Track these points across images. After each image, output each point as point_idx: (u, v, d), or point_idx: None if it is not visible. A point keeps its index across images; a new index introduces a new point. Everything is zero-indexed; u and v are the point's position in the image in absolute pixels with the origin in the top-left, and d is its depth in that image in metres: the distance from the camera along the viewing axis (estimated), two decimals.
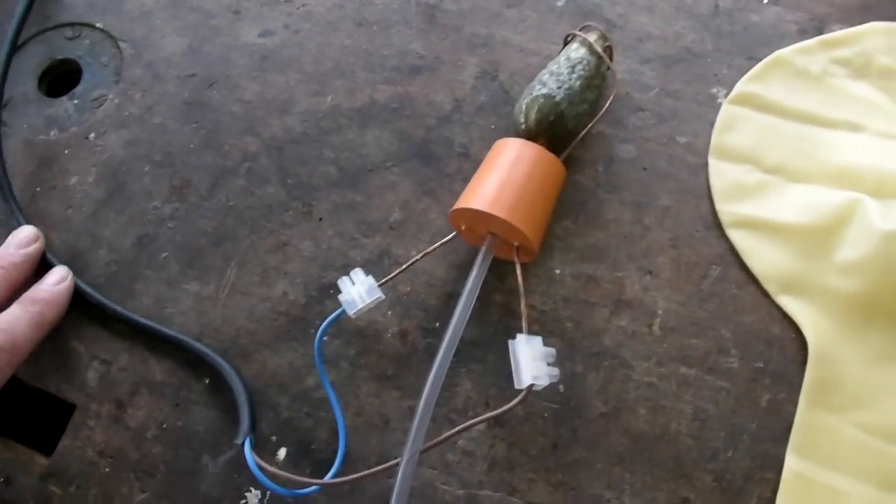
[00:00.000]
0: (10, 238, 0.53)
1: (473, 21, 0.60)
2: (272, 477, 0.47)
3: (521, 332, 0.47)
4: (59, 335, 0.54)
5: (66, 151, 0.59)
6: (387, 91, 0.59)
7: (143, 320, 0.53)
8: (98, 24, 0.64)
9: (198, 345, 0.52)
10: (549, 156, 0.51)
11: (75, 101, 0.61)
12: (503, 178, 0.50)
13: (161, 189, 0.58)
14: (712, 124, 0.56)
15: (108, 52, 0.63)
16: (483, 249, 0.50)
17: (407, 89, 0.58)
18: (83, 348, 0.54)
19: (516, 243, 0.50)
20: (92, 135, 0.60)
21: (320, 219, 0.55)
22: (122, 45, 0.63)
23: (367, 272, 0.51)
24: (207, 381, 0.52)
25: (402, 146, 0.57)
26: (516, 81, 0.58)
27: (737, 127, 0.56)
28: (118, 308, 0.54)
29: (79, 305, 0.54)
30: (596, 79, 0.54)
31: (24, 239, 0.53)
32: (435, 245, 0.51)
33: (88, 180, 0.58)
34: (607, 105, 0.54)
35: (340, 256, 0.54)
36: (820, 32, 0.58)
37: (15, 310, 0.49)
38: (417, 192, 0.55)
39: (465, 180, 0.53)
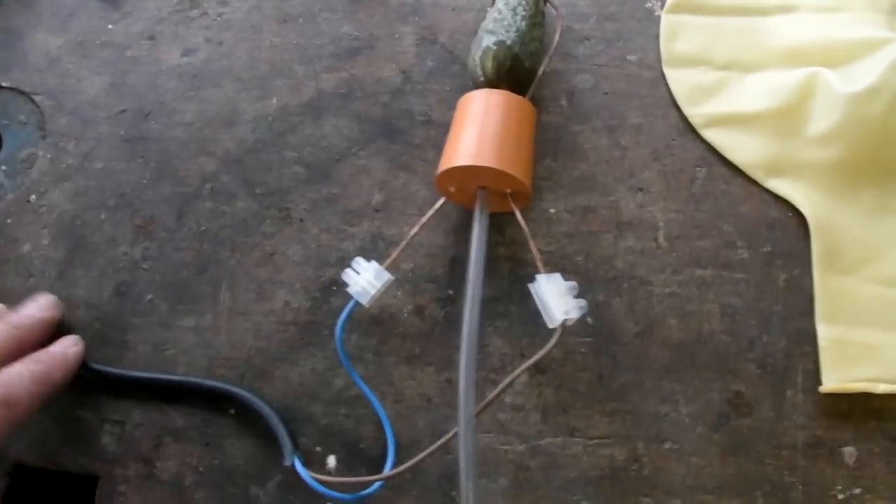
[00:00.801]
0: (28, 302, 0.50)
1: None
2: (333, 486, 0.45)
3: (537, 273, 0.47)
4: (63, 409, 0.50)
5: (9, 220, 0.56)
6: (331, 79, 0.57)
7: (144, 375, 0.51)
8: (4, 83, 0.60)
9: (210, 382, 0.50)
10: (517, 97, 0.51)
11: (3, 168, 0.57)
12: (479, 129, 0.49)
13: (125, 232, 0.55)
14: (657, 37, 0.57)
15: (25, 109, 0.59)
16: (478, 205, 0.49)
17: (351, 72, 0.57)
18: (91, 415, 0.51)
19: (509, 190, 0.50)
20: (33, 197, 0.56)
21: (301, 220, 0.54)
22: (36, 98, 0.59)
23: (366, 259, 0.49)
24: (233, 412, 0.50)
25: (363, 128, 0.56)
26: (458, 40, 0.58)
27: (680, 34, 0.57)
28: (116, 371, 0.51)
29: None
30: (538, 16, 0.54)
31: (41, 305, 0.50)
32: (427, 215, 0.50)
33: (43, 244, 0.55)
34: (557, 37, 0.54)
35: (333, 251, 0.53)
36: None
37: (18, 366, 0.46)
38: (392, 169, 0.54)
39: (437, 146, 0.52)
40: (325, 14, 0.59)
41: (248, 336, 0.52)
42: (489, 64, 0.52)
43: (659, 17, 0.57)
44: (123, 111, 0.58)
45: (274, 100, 0.57)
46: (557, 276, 0.47)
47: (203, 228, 0.54)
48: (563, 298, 0.46)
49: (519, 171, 0.48)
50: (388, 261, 0.49)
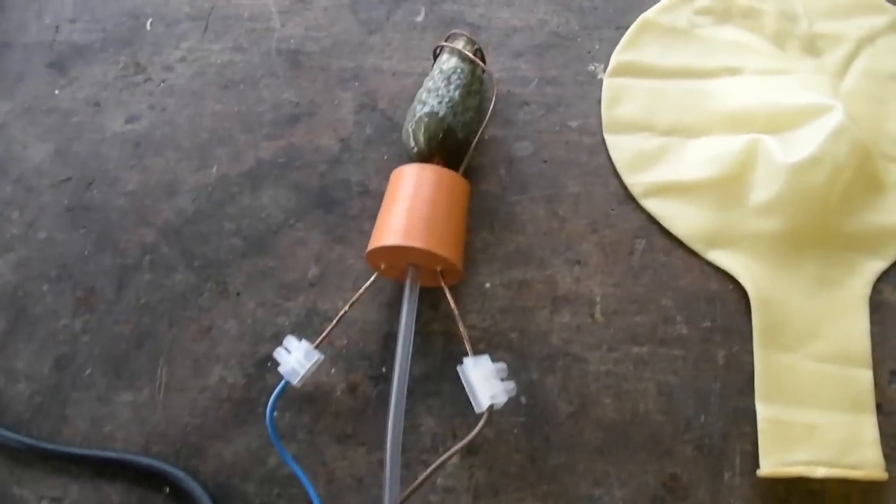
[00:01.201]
0: None
1: (339, 56, 0.59)
2: None
3: (466, 355, 0.46)
4: (0, 485, 0.51)
5: None
6: (270, 147, 0.57)
7: (79, 451, 0.51)
8: None
9: (145, 459, 0.50)
10: (448, 172, 0.50)
11: None
12: (409, 206, 0.49)
13: (66, 304, 0.55)
14: (598, 101, 0.56)
15: None
16: (408, 283, 0.49)
17: (290, 141, 0.57)
18: (28, 492, 0.51)
19: (439, 268, 0.49)
20: None
21: (238, 294, 0.53)
22: None
23: (300, 335, 0.49)
24: (168, 491, 0.50)
25: (301, 199, 0.55)
26: (397, 106, 0.57)
27: (623, 98, 0.56)
28: (51, 447, 0.51)
29: (10, 451, 0.51)
30: (474, 84, 0.54)
31: None
32: (359, 291, 0.50)
33: None
34: (492, 106, 0.53)
35: (268, 326, 0.52)
36: None
37: None
38: (328, 241, 0.54)
39: (372, 218, 0.51)
40: (267, 80, 0.59)
41: (184, 412, 0.51)
42: (421, 136, 0.51)
43: (601, 81, 0.56)
44: (67, 179, 0.58)
45: (214, 169, 0.57)
46: (485, 359, 0.46)
47: (142, 301, 0.54)
48: (490, 382, 0.46)
49: (448, 250, 0.48)
50: (319, 340, 0.49)
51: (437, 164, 0.52)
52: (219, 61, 0.60)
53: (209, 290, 0.54)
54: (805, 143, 0.50)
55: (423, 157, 0.52)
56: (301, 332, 0.50)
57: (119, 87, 0.60)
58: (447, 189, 0.50)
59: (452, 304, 0.48)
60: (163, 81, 0.60)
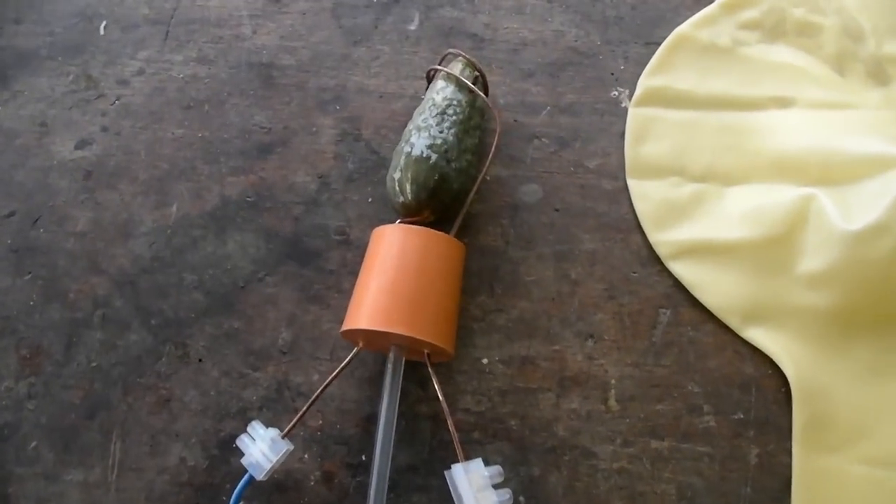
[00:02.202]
0: None
1: (318, 72, 0.50)
2: None
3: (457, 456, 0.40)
4: None
5: None
6: (238, 183, 0.49)
7: None
8: None
9: None
10: (440, 237, 0.42)
11: None
12: (390, 281, 0.41)
13: (9, 364, 0.48)
14: (622, 135, 0.47)
15: None
16: (389, 367, 0.42)
17: (260, 175, 0.49)
18: None
19: (426, 350, 0.42)
20: None
21: (200, 360, 0.47)
22: None
23: (269, 412, 0.43)
24: None
25: (271, 248, 0.48)
26: (384, 137, 0.49)
27: (651, 133, 0.47)
28: None
29: None
30: (473, 118, 0.45)
31: None
32: (337, 370, 0.43)
33: None
34: (495, 143, 0.45)
35: (234, 400, 0.46)
36: None
37: None
38: (301, 300, 0.47)
39: (353, 274, 0.44)
40: (235, 99, 0.50)
41: (140, 496, 0.46)
42: (408, 187, 0.43)
43: (626, 110, 0.47)
44: (11, 214, 0.51)
45: (174, 207, 0.49)
46: (478, 464, 0.40)
47: (94, 364, 0.48)
48: (482, 493, 0.39)
49: (436, 334, 0.41)
50: (288, 428, 0.43)
51: (427, 218, 0.44)
52: (181, 75, 0.52)
53: (168, 354, 0.47)
54: (867, 203, 0.42)
55: (411, 211, 0.44)
56: (270, 408, 0.43)
57: (69, 103, 0.52)
58: (437, 258, 0.42)
59: (441, 396, 0.41)
60: (117, 99, 0.52)
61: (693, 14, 0.48)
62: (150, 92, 0.52)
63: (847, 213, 0.42)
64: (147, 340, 0.48)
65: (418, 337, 0.40)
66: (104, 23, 0.53)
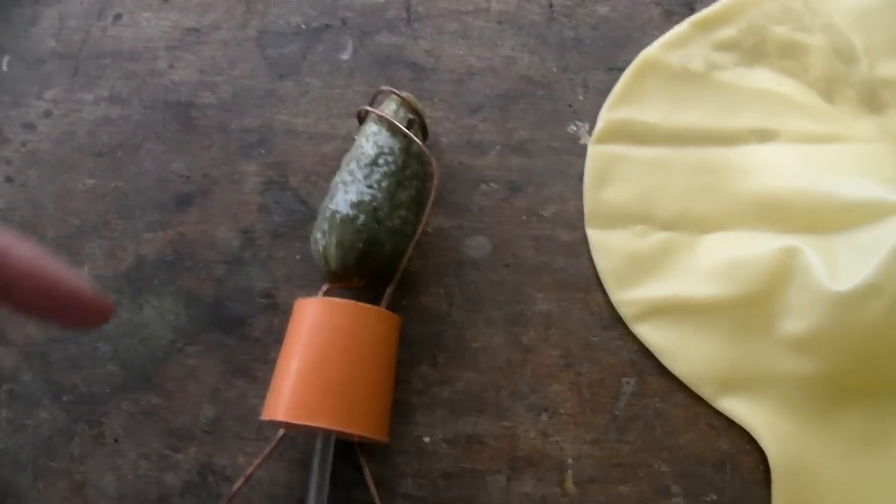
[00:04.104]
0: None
1: (241, 111, 0.45)
2: None
3: None
4: None
5: None
6: (155, 241, 0.44)
7: None
8: None
9: None
10: (368, 312, 0.38)
11: None
12: (313, 364, 0.37)
13: None
14: (581, 178, 0.42)
15: None
16: (316, 456, 0.38)
17: (179, 231, 0.44)
18: None
19: (356, 440, 0.37)
20: None
21: (116, 440, 0.42)
22: None
23: (192, 496, 0.40)
24: None
25: (192, 314, 0.43)
26: (314, 185, 0.44)
27: (614, 174, 0.41)
28: None
29: None
30: (409, 167, 0.40)
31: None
32: (264, 453, 0.39)
33: None
34: (431, 197, 0.39)
35: (154, 486, 0.41)
36: (692, 10, 0.43)
37: None
38: (225, 373, 0.42)
39: (280, 342, 0.39)
40: (151, 144, 0.45)
41: None
42: (332, 252, 0.38)
43: (585, 148, 0.42)
44: None
45: (86, 269, 0.44)
46: None
47: (0, 447, 0.43)
48: None
49: (366, 424, 0.36)
50: None
51: (357, 284, 0.39)
52: (91, 117, 0.46)
53: (81, 434, 0.43)
54: (858, 258, 0.36)
55: (337, 279, 0.39)
56: (193, 493, 0.39)
57: None
58: (367, 335, 0.37)
59: (372, 489, 0.36)
60: (23, 145, 0.46)
61: (662, 34, 0.42)
62: (59, 137, 0.46)
63: (835, 268, 0.37)
64: (59, 419, 0.43)
65: (344, 429, 0.36)
66: (6, 58, 0.48)
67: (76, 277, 0.31)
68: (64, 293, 0.30)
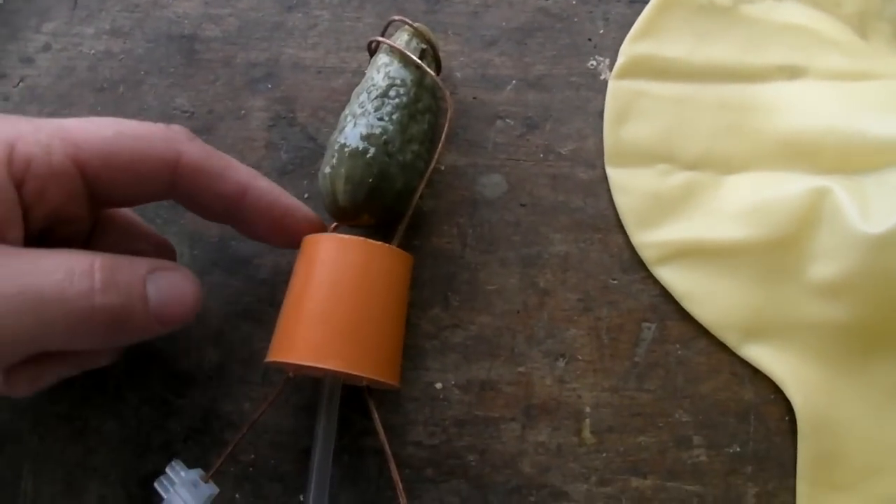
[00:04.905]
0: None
1: (247, 45, 0.43)
2: None
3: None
4: None
5: None
6: None
7: None
8: None
9: None
10: (380, 249, 0.36)
11: None
12: (322, 304, 0.35)
13: None
14: (600, 114, 0.40)
15: None
16: (324, 402, 0.36)
17: None
18: None
19: (365, 384, 0.36)
20: None
21: (117, 385, 0.41)
22: None
23: (196, 443, 0.39)
24: None
25: (195, 254, 0.42)
26: (322, 120, 0.42)
27: (635, 111, 0.40)
28: None
29: None
30: (421, 100, 0.38)
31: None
32: (269, 399, 0.37)
33: None
34: (444, 133, 0.38)
35: (157, 431, 0.40)
36: None
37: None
38: (230, 315, 0.41)
39: (286, 283, 0.38)
40: (153, 79, 0.44)
41: None
42: (340, 187, 0.37)
43: (605, 83, 0.40)
44: None
45: None
46: None
47: None
48: None
49: (376, 367, 0.35)
50: (215, 466, 0.37)
51: (366, 222, 0.37)
52: (92, 52, 0.45)
53: (82, 379, 0.41)
54: (891, 199, 0.34)
55: (346, 215, 0.37)
56: (197, 440, 0.38)
57: None
58: (378, 275, 0.36)
59: (381, 435, 0.36)
60: (21, 80, 0.45)
61: None
62: (59, 72, 0.45)
63: (867, 210, 0.35)
64: None
65: (354, 372, 0.34)
66: None
67: (301, 206, 0.37)
68: (294, 224, 0.36)
